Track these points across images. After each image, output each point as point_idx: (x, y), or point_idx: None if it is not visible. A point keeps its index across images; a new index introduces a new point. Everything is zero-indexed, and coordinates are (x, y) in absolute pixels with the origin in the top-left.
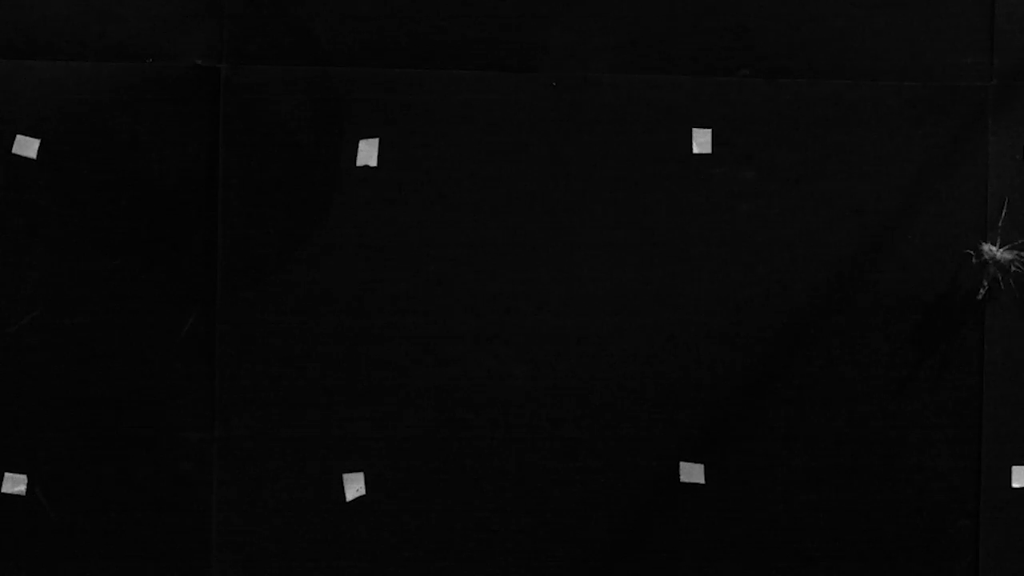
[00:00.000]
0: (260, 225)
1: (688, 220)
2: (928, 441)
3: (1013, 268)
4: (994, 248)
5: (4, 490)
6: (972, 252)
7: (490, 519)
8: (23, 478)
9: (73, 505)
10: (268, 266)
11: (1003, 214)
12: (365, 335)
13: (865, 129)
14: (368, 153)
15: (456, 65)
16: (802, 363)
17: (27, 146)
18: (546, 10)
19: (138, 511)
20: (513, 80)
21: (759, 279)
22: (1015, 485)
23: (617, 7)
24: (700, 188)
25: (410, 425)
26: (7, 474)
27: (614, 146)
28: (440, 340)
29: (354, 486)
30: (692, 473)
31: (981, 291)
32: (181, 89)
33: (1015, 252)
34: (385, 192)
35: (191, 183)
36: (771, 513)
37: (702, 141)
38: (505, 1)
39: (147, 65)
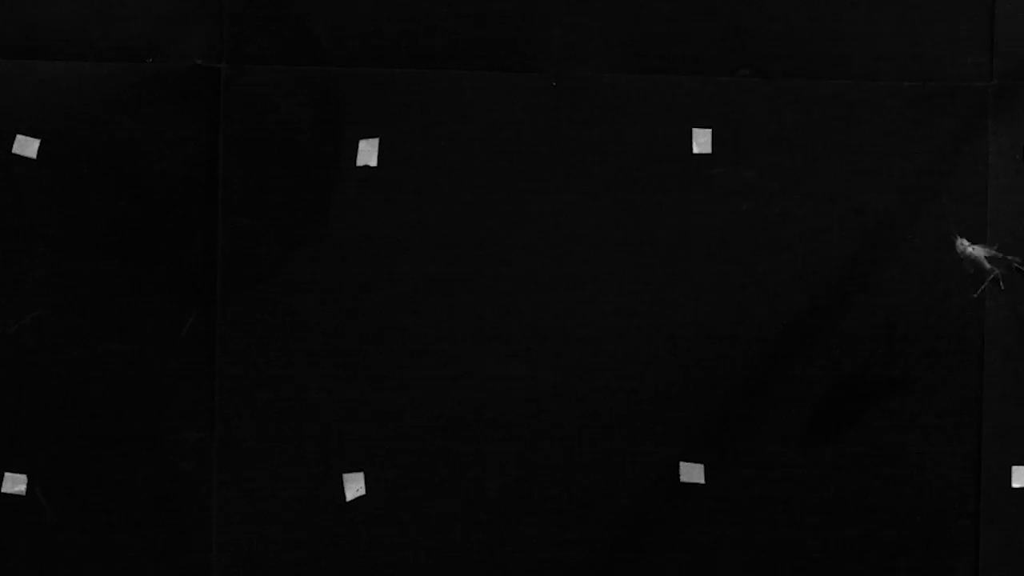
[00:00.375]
0: (260, 225)
1: (688, 220)
2: (928, 441)
3: (988, 265)
4: (966, 242)
5: (4, 490)
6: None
7: (490, 519)
8: (23, 478)
9: (73, 505)
10: (268, 266)
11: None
12: (365, 335)
13: (865, 129)
14: (368, 153)
15: (456, 65)
16: (802, 363)
17: (27, 146)
18: (546, 10)
19: (138, 511)
20: (513, 80)
21: (759, 279)
22: (1015, 485)
23: (617, 7)
24: (700, 188)
25: (410, 425)
26: (7, 474)
27: (614, 146)
28: (440, 340)
29: (354, 486)
30: (692, 473)
31: (980, 289)
32: (181, 89)
33: (989, 249)
34: (385, 192)
35: (191, 183)
36: (771, 513)
37: (702, 141)
38: (505, 1)
39: (147, 65)
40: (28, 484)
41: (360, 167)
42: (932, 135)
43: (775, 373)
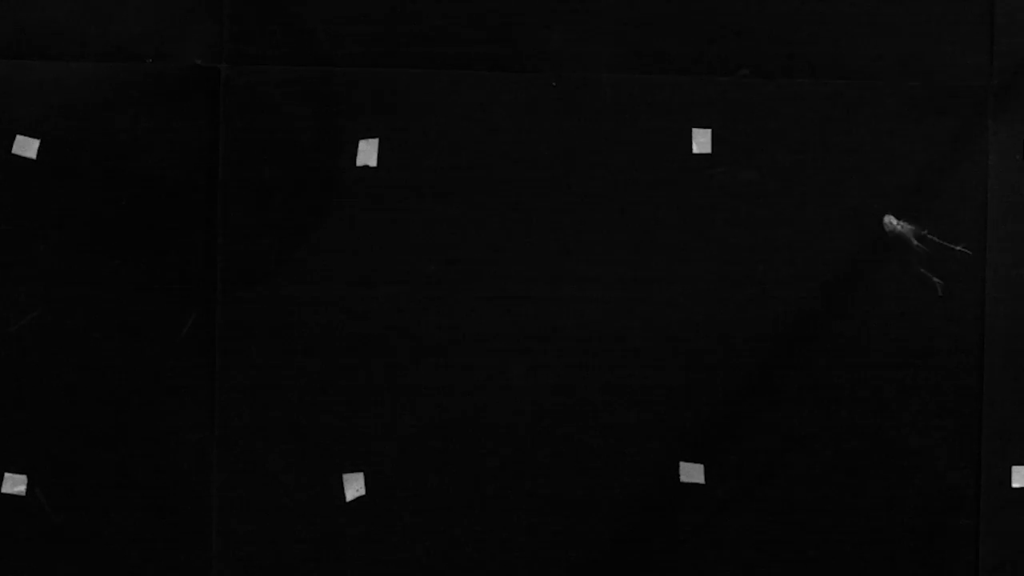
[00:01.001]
0: (260, 225)
1: (688, 220)
2: (928, 441)
3: (915, 242)
4: (894, 219)
5: (4, 490)
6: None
7: (490, 519)
8: (23, 478)
9: (73, 505)
10: (268, 266)
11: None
12: (365, 335)
13: (865, 129)
14: (368, 153)
15: (456, 65)
16: (802, 363)
17: (27, 146)
18: (546, 10)
19: (138, 511)
20: (513, 80)
21: (759, 279)
22: (1015, 485)
23: (617, 7)
24: (700, 188)
25: (410, 425)
26: (7, 474)
27: (614, 146)
28: (440, 340)
29: (354, 486)
30: (692, 473)
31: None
32: (181, 89)
33: (916, 225)
34: (385, 192)
35: (191, 183)
36: (771, 513)
37: (702, 141)
38: (505, 1)
39: (147, 65)
40: (28, 484)
41: (360, 167)
42: (932, 135)
43: (775, 373)
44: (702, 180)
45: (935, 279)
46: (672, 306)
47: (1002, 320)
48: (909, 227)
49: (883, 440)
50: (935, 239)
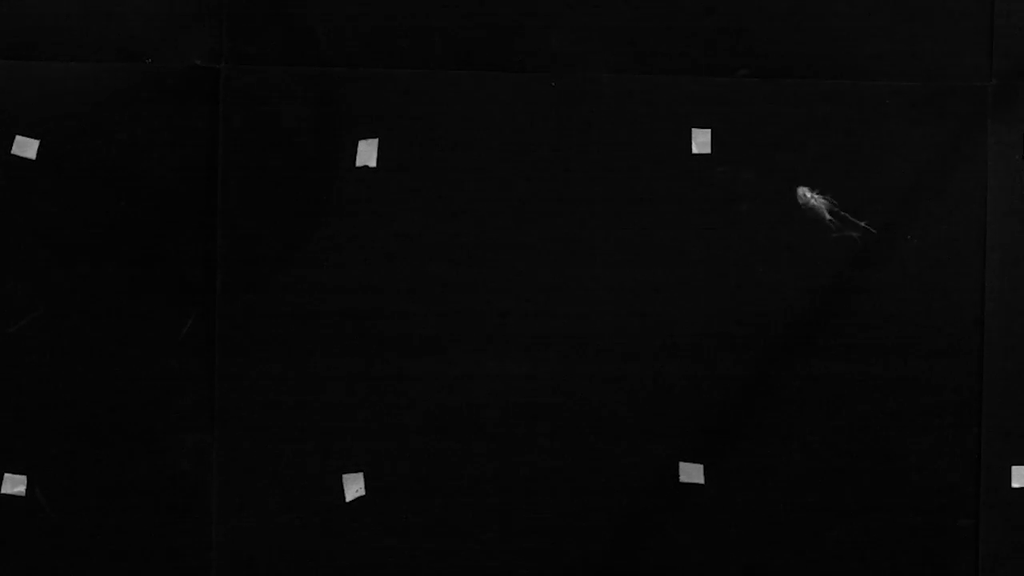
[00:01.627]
0: (260, 225)
1: (688, 220)
2: (928, 441)
3: (827, 217)
4: (808, 192)
5: (4, 490)
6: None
7: (490, 519)
8: (23, 478)
9: (73, 505)
10: (268, 266)
11: None
12: (365, 335)
13: (865, 129)
14: (368, 153)
15: (456, 65)
16: (802, 363)
17: (27, 146)
18: (546, 10)
19: (138, 511)
20: (513, 80)
21: (759, 279)
22: (1015, 485)
23: (617, 7)
24: (700, 188)
25: (410, 425)
26: (7, 474)
27: (614, 146)
28: (440, 340)
29: (354, 486)
30: (692, 473)
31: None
32: (181, 89)
33: (829, 198)
34: (385, 192)
35: (191, 183)
36: (771, 513)
37: (702, 141)
38: (505, 1)
39: (147, 65)
40: (28, 484)
41: (359, 167)
42: (932, 135)
43: (775, 373)
44: (702, 180)
45: (853, 233)
46: (672, 306)
47: (1002, 319)
48: (822, 200)
49: (883, 440)
50: (847, 215)
